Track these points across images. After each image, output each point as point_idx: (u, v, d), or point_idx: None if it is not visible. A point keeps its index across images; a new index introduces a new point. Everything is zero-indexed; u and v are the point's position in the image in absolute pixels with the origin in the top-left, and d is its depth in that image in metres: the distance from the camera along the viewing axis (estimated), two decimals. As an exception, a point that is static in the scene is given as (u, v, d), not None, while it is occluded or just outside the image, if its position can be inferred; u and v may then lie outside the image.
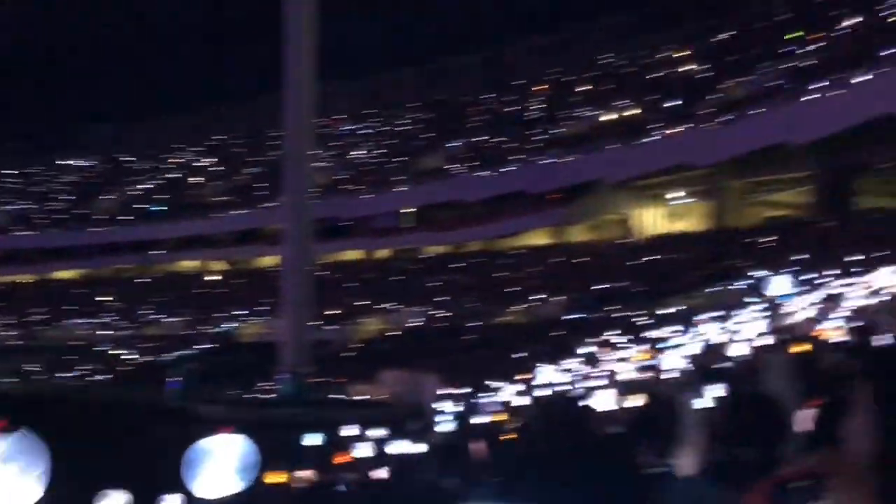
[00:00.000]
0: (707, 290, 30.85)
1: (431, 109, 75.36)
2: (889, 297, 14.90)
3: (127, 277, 73.03)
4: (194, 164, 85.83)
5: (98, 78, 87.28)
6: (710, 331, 23.83)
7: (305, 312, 33.98)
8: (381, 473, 10.54)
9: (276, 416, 26.28)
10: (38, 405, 36.68)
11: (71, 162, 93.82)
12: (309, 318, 34.40)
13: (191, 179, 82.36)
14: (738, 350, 15.92)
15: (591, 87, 62.33)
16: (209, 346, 47.83)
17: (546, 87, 67.95)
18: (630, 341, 27.11)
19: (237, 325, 52.22)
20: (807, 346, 13.75)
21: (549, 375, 22.20)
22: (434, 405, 22.53)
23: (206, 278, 67.47)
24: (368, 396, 28.30)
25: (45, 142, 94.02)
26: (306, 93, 31.90)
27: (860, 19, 45.34)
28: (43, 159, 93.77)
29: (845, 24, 46.09)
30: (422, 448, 10.88)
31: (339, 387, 30.44)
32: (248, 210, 67.75)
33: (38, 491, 2.59)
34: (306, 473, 9.73)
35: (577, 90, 63.08)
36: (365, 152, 72.96)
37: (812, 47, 46.00)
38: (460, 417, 21.48)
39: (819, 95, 35.99)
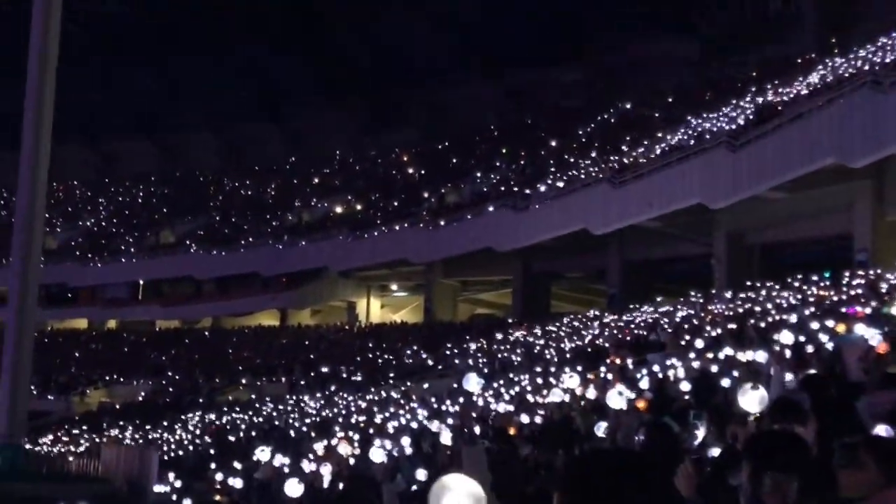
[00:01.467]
0: (419, 378, 31.84)
1: (168, 183, 73.46)
2: (576, 398, 16.09)
3: None
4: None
5: None
6: (419, 418, 24.68)
7: (25, 379, 31.59)
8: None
9: (-13, 489, 24.19)
10: None
11: None
12: (28, 386, 32.10)
13: None
14: (445, 439, 16.62)
15: (323, 178, 63.37)
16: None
17: (281, 174, 68.35)
18: (347, 425, 27.45)
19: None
20: (502, 438, 14.59)
21: (266, 456, 22.08)
22: (154, 483, 21.74)
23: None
24: (88, 471, 26.76)
25: None
26: (42, 154, 29.88)
27: (562, 140, 49.32)
28: None
29: (552, 143, 49.97)
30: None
31: (58, 460, 28.58)
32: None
33: None
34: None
35: (311, 180, 63.89)
36: (97, 220, 69.75)
37: (521, 162, 49.41)
38: (180, 497, 20.88)
39: (523, 208, 38.47)
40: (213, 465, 25.30)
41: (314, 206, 57.73)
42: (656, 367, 16.88)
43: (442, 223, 42.40)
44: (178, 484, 22.63)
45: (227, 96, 70.69)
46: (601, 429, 9.90)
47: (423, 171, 56.56)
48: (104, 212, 71.21)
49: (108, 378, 44.09)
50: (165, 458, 25.47)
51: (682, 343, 21.20)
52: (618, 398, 10.48)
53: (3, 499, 21.67)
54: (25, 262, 29.39)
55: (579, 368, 20.03)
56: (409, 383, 30.84)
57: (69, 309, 58.08)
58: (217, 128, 74.44)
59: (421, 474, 14.18)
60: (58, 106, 29.74)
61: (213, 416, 31.77)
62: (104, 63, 68.02)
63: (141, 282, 57.35)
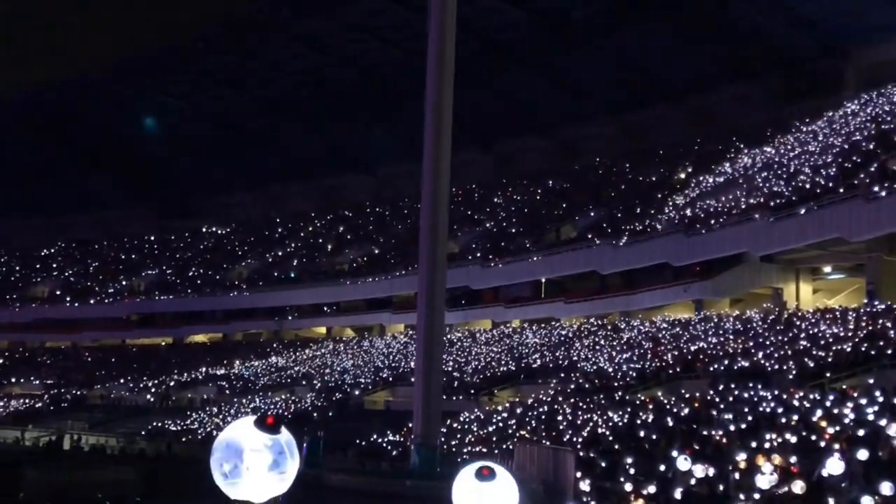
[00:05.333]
0: (863, 371, 29.60)
1: (566, 179, 75.37)
2: None
3: (259, 341, 74.95)
4: (325, 231, 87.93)
5: (230, 145, 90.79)
6: (867, 418, 22.75)
7: (437, 381, 33.73)
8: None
9: (406, 488, 26.07)
10: (171, 464, 37.59)
11: (205, 228, 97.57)
12: (440, 388, 34.22)
13: (321, 246, 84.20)
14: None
15: (737, 155, 61.15)
16: (336, 412, 48.23)
17: (688, 156, 67.18)
18: (779, 427, 26.05)
19: (364, 391, 52.59)
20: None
21: (686, 465, 21.55)
22: (572, 485, 22.00)
23: (335, 343, 68.41)
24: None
25: (181, 208, 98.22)
26: (443, 162, 32.13)
27: None
28: (180, 225, 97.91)
29: None
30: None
31: (472, 460, 30.13)
32: (378, 278, 68.75)
33: (279, 489, 2.83)
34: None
35: (720, 159, 62.08)
36: (496, 221, 73.28)
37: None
38: (597, 501, 20.87)
39: None
40: (629, 470, 25.20)
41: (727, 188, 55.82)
42: None
43: (883, 193, 38.96)
44: (586, 485, 22.82)
45: (619, 86, 71.72)
46: None
47: (858, 137, 52.31)
48: (502, 212, 74.68)
49: (514, 377, 46.05)
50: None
51: None
52: None
53: (422, 498, 23.17)
54: (432, 268, 31.55)
55: None
56: (847, 379, 28.76)
57: (473, 310, 61.64)
58: (613, 116, 75.43)
59: (885, 487, 12.85)
60: (453, 114, 31.83)
61: (623, 416, 31.72)
62: (492, 67, 71.99)
63: (543, 279, 59.23)
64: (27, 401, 67.22)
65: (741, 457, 23.11)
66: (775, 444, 24.80)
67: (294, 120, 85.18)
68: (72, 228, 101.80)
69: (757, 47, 64.49)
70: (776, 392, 29.76)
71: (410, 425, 32.49)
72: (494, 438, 33.92)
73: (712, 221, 48.48)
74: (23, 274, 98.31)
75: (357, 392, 52.47)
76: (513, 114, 78.68)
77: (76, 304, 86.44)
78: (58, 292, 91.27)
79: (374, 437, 39.06)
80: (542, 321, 56.66)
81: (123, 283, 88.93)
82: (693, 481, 21.84)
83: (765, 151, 58.05)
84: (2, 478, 30.24)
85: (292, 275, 78.00)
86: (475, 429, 36.56)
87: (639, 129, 74.30)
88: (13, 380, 75.17)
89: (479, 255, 64.67)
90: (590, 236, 58.35)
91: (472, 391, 45.26)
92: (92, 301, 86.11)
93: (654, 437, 29.02)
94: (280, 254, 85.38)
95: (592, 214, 64.10)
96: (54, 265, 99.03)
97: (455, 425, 37.33)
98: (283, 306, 74.14)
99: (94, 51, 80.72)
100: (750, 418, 28.19)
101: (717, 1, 62.39)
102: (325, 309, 72.55)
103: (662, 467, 24.21)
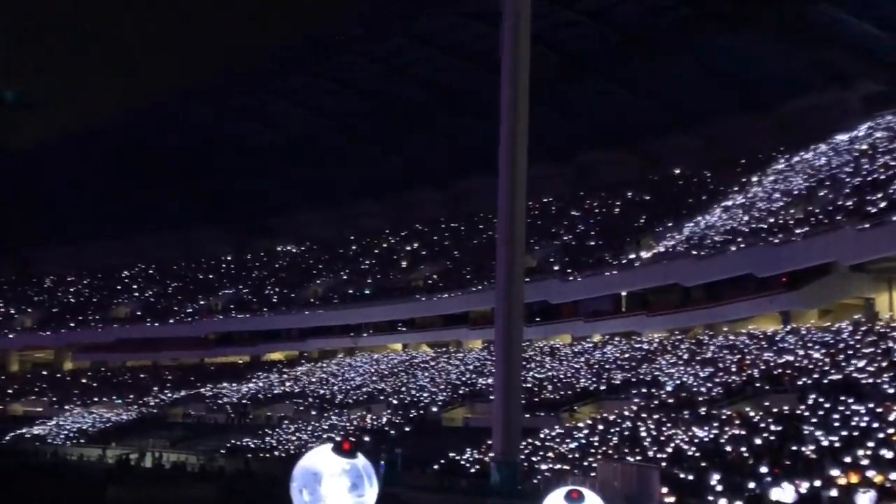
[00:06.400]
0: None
1: (647, 190, 74.49)
2: None
3: (333, 359, 75.35)
4: (399, 247, 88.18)
5: (304, 164, 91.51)
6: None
7: (516, 397, 33.51)
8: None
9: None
10: (249, 481, 37.88)
11: (281, 247, 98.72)
12: (520, 404, 33.92)
13: (396, 263, 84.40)
14: None
15: (824, 163, 59.72)
16: (413, 429, 48.14)
17: (767, 163, 65.90)
18: (874, 443, 25.30)
19: (441, 408, 52.44)
20: None
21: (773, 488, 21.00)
22: (658, 502, 21.59)
23: (412, 360, 68.40)
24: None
25: (257, 228, 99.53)
26: (519, 176, 32.01)
27: None
28: (255, 245, 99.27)
29: None
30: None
31: (554, 478, 29.75)
32: (453, 293, 68.61)
33: None
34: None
35: (807, 167, 60.68)
36: (575, 234, 72.68)
37: None
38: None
39: None
40: (716, 487, 24.62)
41: (814, 197, 54.53)
42: None
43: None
44: (672, 502, 22.35)
45: (702, 95, 70.61)
46: None
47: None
48: (581, 225, 74.04)
49: (596, 393, 45.49)
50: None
51: None
52: None
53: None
54: (509, 283, 31.38)
55: None
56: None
57: (552, 325, 61.09)
58: (695, 127, 74.28)
59: None
60: (530, 127, 31.57)
61: (708, 432, 31.08)
62: (571, 80, 71.48)
63: (623, 292, 58.47)
64: (110, 419, 68.58)
65: (835, 473, 22.43)
66: (870, 460, 24.01)
67: (368, 137, 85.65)
68: (151, 250, 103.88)
69: (847, 52, 63.02)
70: (871, 406, 28.88)
71: (490, 442, 32.25)
72: (576, 455, 33.50)
73: (798, 230, 47.44)
74: (104, 296, 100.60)
75: (434, 409, 52.34)
76: (592, 126, 77.99)
77: (156, 324, 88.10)
78: (138, 313, 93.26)
79: (453, 454, 38.85)
80: (623, 335, 55.94)
81: (202, 302, 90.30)
82: (784, 499, 21.24)
83: (854, 157, 56.63)
84: (85, 495, 30.77)
85: (367, 292, 78.28)
86: (556, 445, 36.13)
87: (723, 140, 72.97)
88: (96, 399, 76.77)
89: (557, 269, 64.14)
90: (672, 249, 57.45)
91: (553, 407, 44.82)
92: (171, 321, 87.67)
93: (741, 452, 28.39)
94: (354, 271, 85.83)
95: (673, 227, 63.15)
96: (134, 286, 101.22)
97: (535, 442, 36.94)
98: (359, 323, 74.45)
99: (167, 73, 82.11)
100: (843, 433, 27.43)
101: (806, 5, 61.03)
102: (401, 326, 72.65)
103: (751, 484, 23.64)
